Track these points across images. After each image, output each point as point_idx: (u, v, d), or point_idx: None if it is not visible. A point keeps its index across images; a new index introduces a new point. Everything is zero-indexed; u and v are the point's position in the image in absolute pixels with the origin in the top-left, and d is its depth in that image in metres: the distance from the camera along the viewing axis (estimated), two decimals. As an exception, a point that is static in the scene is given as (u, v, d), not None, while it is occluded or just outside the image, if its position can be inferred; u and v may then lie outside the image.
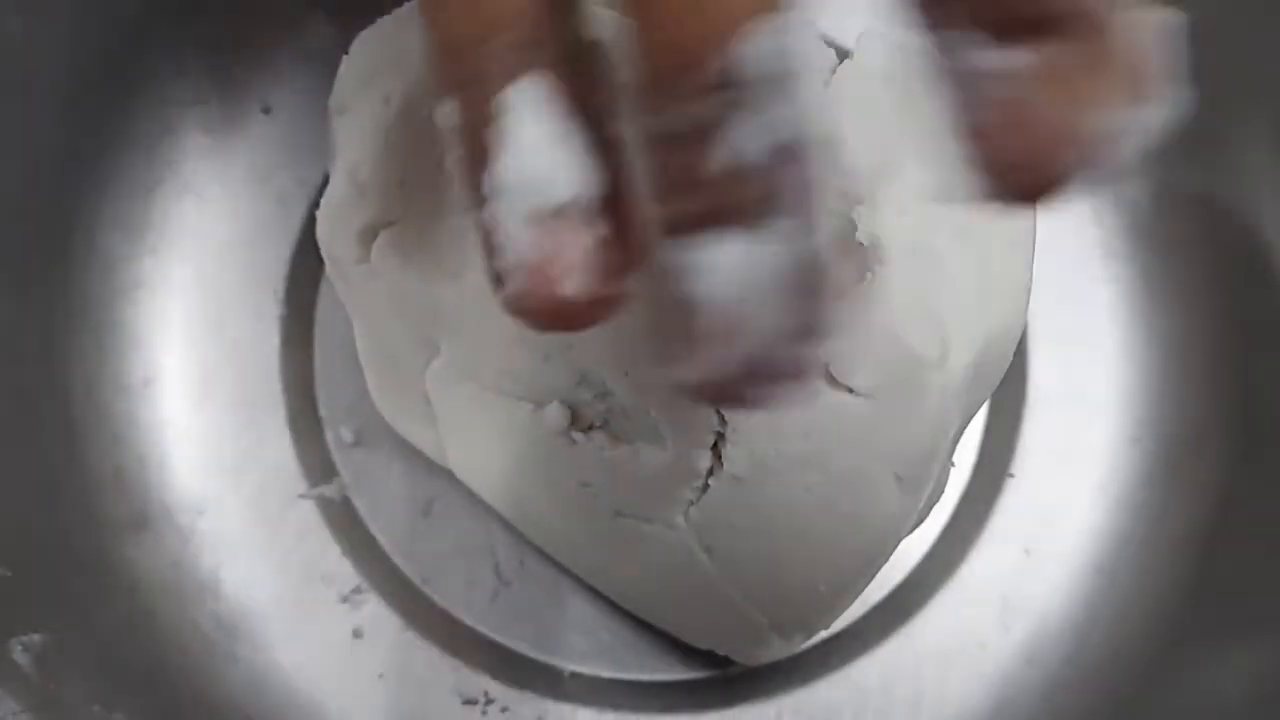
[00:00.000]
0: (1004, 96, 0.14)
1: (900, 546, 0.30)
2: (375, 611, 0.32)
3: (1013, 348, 0.25)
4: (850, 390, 0.23)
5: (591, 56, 0.16)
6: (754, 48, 0.13)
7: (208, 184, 0.33)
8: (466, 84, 0.16)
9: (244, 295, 0.33)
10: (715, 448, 0.25)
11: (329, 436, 0.33)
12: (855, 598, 0.27)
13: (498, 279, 0.16)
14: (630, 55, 0.14)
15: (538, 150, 0.15)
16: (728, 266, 0.14)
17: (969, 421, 0.26)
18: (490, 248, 0.16)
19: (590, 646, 0.32)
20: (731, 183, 0.14)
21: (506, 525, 0.31)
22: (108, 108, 0.32)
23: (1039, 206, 0.15)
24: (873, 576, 0.26)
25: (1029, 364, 0.34)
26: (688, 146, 0.14)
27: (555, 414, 0.26)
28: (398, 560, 0.32)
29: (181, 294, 0.33)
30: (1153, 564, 0.31)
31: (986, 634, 0.32)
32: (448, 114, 0.16)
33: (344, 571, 0.32)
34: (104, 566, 0.30)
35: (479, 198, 0.15)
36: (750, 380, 0.14)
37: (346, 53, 0.27)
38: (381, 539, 0.32)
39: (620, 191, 0.16)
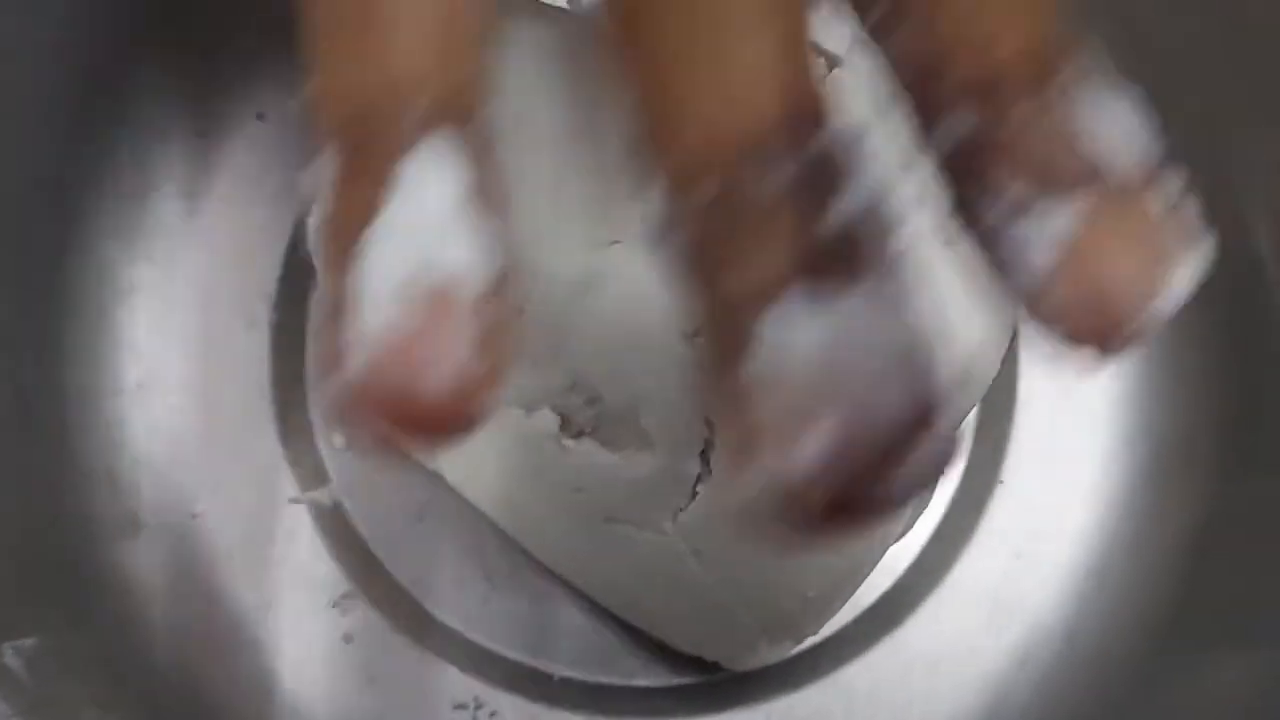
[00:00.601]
0: (1060, 256, 0.13)
1: (890, 551, 0.31)
2: (366, 616, 0.32)
3: (1000, 355, 0.26)
4: (838, 397, 0.23)
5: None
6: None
7: (202, 190, 0.34)
8: (360, 136, 0.13)
9: (237, 300, 0.33)
10: (704, 454, 0.25)
11: (320, 441, 0.33)
12: (843, 603, 0.27)
13: (332, 358, 0.12)
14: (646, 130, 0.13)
15: (431, 212, 0.13)
16: (811, 338, 0.12)
17: (955, 429, 0.26)
18: (339, 317, 0.12)
19: (580, 651, 0.32)
20: (821, 243, 0.12)
21: (497, 530, 0.31)
22: (102, 114, 0.32)
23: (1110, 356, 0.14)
24: (860, 582, 0.26)
25: (1019, 370, 0.34)
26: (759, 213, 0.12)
27: (545, 419, 0.26)
28: (388, 565, 0.32)
29: (175, 299, 0.33)
30: (1143, 568, 0.31)
31: (977, 638, 0.32)
32: (323, 162, 0.14)
33: (335, 576, 0.32)
34: (96, 569, 0.30)
35: (343, 260, 0.13)
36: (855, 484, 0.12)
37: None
38: (372, 543, 0.32)
39: (505, 284, 0.13)
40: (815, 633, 0.28)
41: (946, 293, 0.24)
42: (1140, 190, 0.14)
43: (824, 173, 0.13)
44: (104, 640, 0.29)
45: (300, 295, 0.33)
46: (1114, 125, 0.14)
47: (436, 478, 0.30)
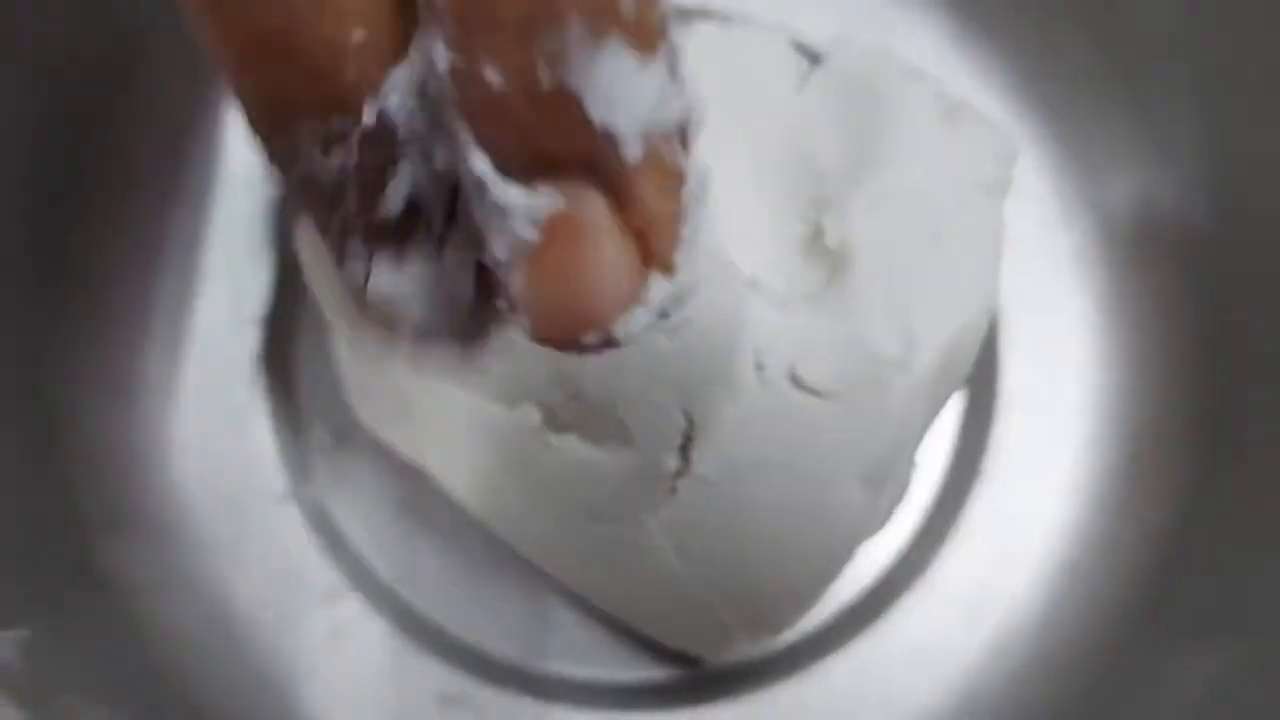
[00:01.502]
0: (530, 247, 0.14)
1: (870, 547, 0.31)
2: (354, 612, 0.32)
3: (976, 348, 0.26)
4: (815, 393, 0.24)
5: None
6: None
7: (188, 188, 0.34)
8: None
9: (225, 298, 0.34)
10: (684, 450, 0.25)
11: (309, 438, 0.33)
12: (820, 597, 0.28)
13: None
14: None
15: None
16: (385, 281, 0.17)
17: (933, 422, 0.27)
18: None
19: (567, 647, 0.32)
20: None
21: (483, 526, 0.31)
22: (89, 115, 0.32)
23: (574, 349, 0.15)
24: (837, 576, 0.27)
25: (1000, 367, 0.34)
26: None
27: (528, 414, 0.27)
28: (376, 561, 0.33)
29: (162, 297, 0.33)
30: (1118, 563, 0.32)
31: (955, 632, 0.32)
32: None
33: (323, 572, 0.32)
34: (84, 567, 0.31)
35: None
36: None
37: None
38: (360, 540, 0.33)
39: None
40: (793, 627, 0.29)
41: (925, 284, 0.25)
42: (638, 177, 0.13)
43: (379, 156, 0.14)
44: (91, 636, 0.30)
45: (289, 291, 0.34)
46: (625, 91, 0.13)
47: (422, 474, 0.31)
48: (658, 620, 0.30)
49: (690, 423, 0.25)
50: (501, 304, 0.15)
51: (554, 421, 0.27)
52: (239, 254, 0.34)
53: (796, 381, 0.24)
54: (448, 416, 0.28)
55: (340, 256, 0.17)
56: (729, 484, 0.25)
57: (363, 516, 0.33)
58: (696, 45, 0.27)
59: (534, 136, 0.13)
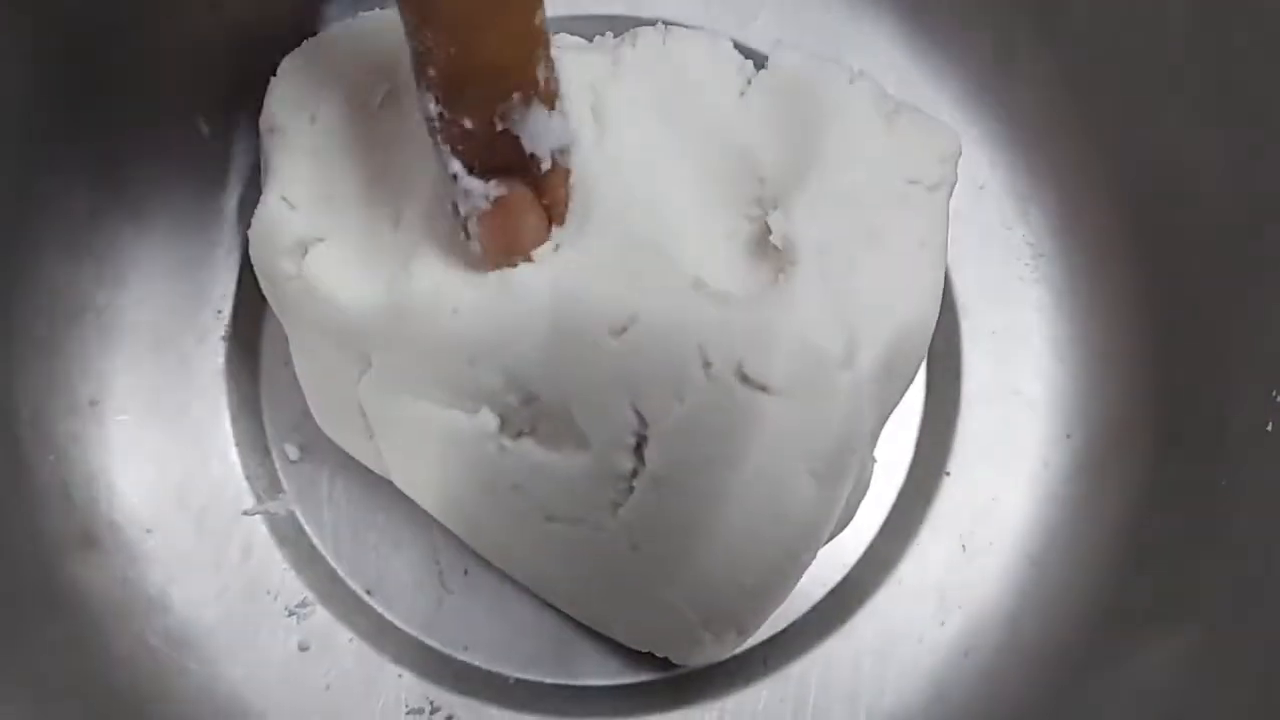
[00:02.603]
0: (483, 210, 0.24)
1: (837, 545, 0.31)
2: (321, 623, 0.32)
3: (925, 344, 0.26)
4: (763, 389, 0.24)
5: None
6: None
7: (151, 208, 0.34)
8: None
9: (189, 316, 0.34)
10: (638, 450, 0.26)
11: (274, 453, 0.34)
12: (784, 595, 0.28)
13: None
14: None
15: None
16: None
17: (886, 418, 0.27)
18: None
19: (534, 652, 0.32)
20: None
21: (449, 534, 0.31)
22: (51, 134, 0.32)
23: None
24: (799, 574, 0.27)
25: (963, 363, 0.34)
26: None
27: (484, 420, 0.27)
28: (343, 572, 0.33)
29: (127, 316, 0.34)
30: (1083, 555, 0.32)
31: (924, 628, 0.32)
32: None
33: (290, 585, 0.32)
34: (51, 584, 0.31)
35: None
36: None
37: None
38: (326, 552, 0.33)
39: None
40: (759, 626, 0.29)
41: (869, 282, 0.25)
42: (548, 178, 0.24)
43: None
44: (59, 653, 0.30)
45: (252, 308, 0.34)
46: (542, 131, 0.23)
47: (387, 484, 0.31)
48: (623, 622, 0.30)
49: (642, 421, 0.25)
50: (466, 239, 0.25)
51: (510, 426, 0.27)
52: (202, 272, 0.34)
53: (744, 378, 0.24)
54: (406, 425, 0.29)
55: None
56: (682, 482, 0.25)
57: (331, 528, 0.33)
58: (641, 52, 0.27)
59: (490, 155, 0.24)
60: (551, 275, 0.25)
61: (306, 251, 0.27)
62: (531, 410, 0.26)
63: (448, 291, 0.25)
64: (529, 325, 0.25)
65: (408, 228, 0.27)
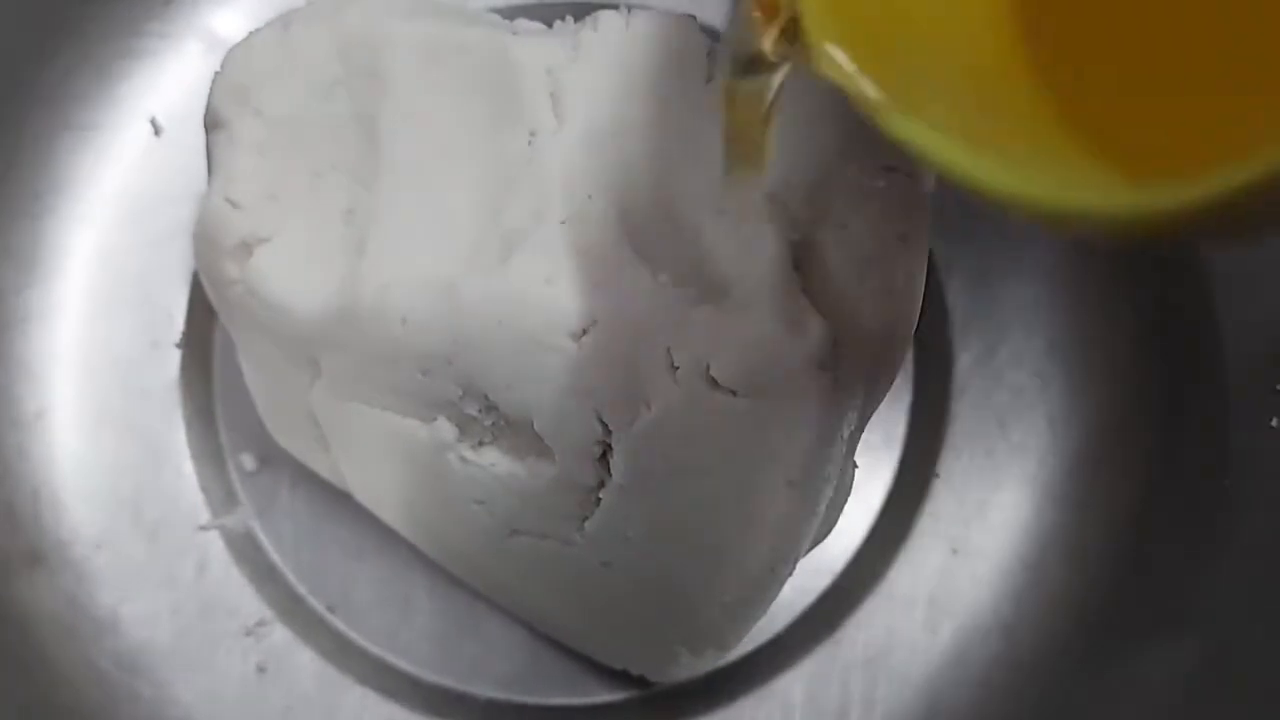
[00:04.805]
0: None
1: (823, 552, 0.30)
2: (281, 643, 0.31)
3: (908, 342, 0.25)
4: (732, 392, 0.22)
5: None
6: None
7: (99, 211, 0.33)
8: None
9: (139, 324, 0.32)
10: (604, 460, 0.24)
11: (230, 463, 0.32)
12: (764, 609, 0.26)
13: None
14: None
15: None
16: None
17: (867, 420, 0.25)
18: None
19: (506, 671, 0.31)
20: None
21: (415, 548, 0.30)
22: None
23: None
24: (778, 587, 0.25)
25: (954, 362, 0.33)
26: None
27: (443, 429, 0.25)
28: (303, 589, 0.31)
29: (74, 324, 0.32)
30: (1078, 558, 0.30)
31: (915, 637, 0.31)
32: None
33: (248, 603, 0.31)
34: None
35: None
36: None
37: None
38: (286, 568, 0.31)
39: None
40: (739, 641, 0.27)
41: (845, 285, 0.23)
42: None
43: None
44: (3, 677, 0.28)
45: (206, 315, 0.32)
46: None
47: (347, 497, 0.29)
48: (596, 639, 0.28)
49: (606, 429, 0.23)
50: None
51: (470, 435, 0.25)
52: (153, 276, 0.32)
53: (712, 381, 0.22)
54: (361, 434, 0.27)
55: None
56: (651, 492, 0.24)
57: (290, 542, 0.31)
58: (603, 35, 0.25)
59: None
60: (506, 277, 0.23)
61: (251, 253, 0.26)
62: (491, 419, 0.25)
63: (397, 298, 0.24)
64: (484, 331, 0.23)
65: (362, 220, 0.25)
